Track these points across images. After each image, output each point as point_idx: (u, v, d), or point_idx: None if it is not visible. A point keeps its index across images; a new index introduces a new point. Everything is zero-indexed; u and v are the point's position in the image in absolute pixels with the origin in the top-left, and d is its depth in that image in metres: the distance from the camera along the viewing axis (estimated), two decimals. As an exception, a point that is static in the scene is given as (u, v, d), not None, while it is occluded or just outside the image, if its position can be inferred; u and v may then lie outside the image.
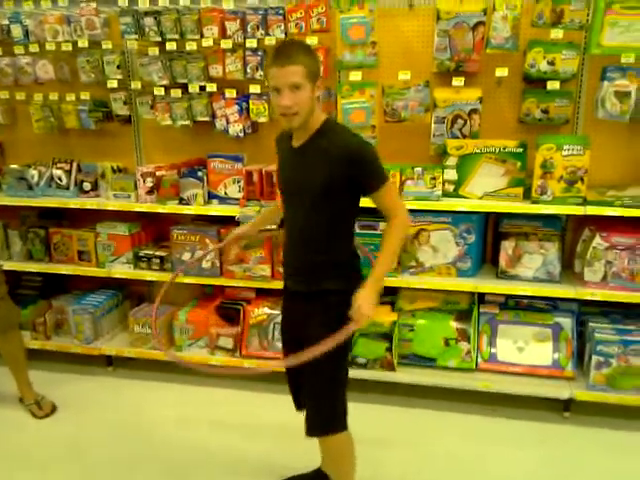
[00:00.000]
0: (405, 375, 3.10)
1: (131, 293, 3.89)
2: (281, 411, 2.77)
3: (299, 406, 2.31)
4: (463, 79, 2.90)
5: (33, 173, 3.54)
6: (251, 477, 2.60)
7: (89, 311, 3.54)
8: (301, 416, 2.18)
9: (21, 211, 3.69)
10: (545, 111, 2.93)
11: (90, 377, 3.54)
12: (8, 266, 3.48)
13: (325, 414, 2.12)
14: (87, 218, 3.62)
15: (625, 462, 2.69)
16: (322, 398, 2.12)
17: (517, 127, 3.09)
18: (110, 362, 3.62)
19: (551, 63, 2.80)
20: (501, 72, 2.88)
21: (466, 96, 2.93)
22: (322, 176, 1.95)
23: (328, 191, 1.96)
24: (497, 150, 2.90)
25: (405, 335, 3.11)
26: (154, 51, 3.24)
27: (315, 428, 2.12)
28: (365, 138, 2.04)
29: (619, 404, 2.90)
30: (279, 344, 3.25)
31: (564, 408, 3.02)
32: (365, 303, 1.92)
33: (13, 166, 3.60)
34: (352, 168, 1.92)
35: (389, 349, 3.06)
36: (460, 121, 2.97)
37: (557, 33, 2.76)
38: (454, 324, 3.12)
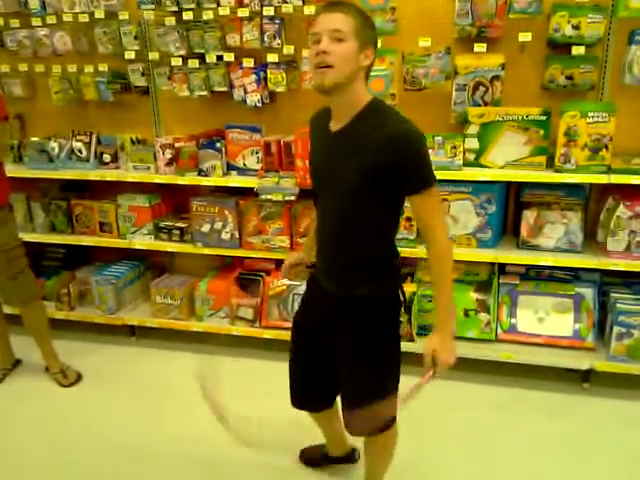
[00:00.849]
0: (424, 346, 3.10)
1: (152, 264, 3.93)
2: None
3: (303, 403, 2.19)
4: (485, 45, 2.83)
5: (53, 145, 3.56)
6: (273, 447, 2.64)
7: (112, 282, 3.59)
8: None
9: (43, 183, 3.72)
10: (569, 77, 2.85)
11: (113, 347, 3.61)
12: (32, 238, 3.55)
13: (375, 413, 1.91)
14: (107, 190, 3.64)
15: (645, 433, 2.69)
16: (372, 396, 1.90)
17: (540, 94, 3.02)
18: (133, 332, 3.69)
19: (576, 27, 2.71)
20: (524, 37, 2.81)
21: (488, 62, 2.86)
22: (361, 165, 1.68)
23: (366, 184, 1.70)
24: (520, 118, 2.84)
25: (424, 306, 3.11)
26: (171, 21, 3.21)
27: (362, 426, 1.97)
28: (416, 128, 1.69)
29: (639, 375, 2.88)
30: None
31: (583, 379, 3.01)
32: (443, 351, 1.76)
33: (34, 139, 3.63)
34: (397, 157, 1.64)
35: (408, 320, 3.07)
36: (482, 88, 2.91)
37: (583, -5, 2.67)
38: (474, 295, 3.11)
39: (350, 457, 2.50)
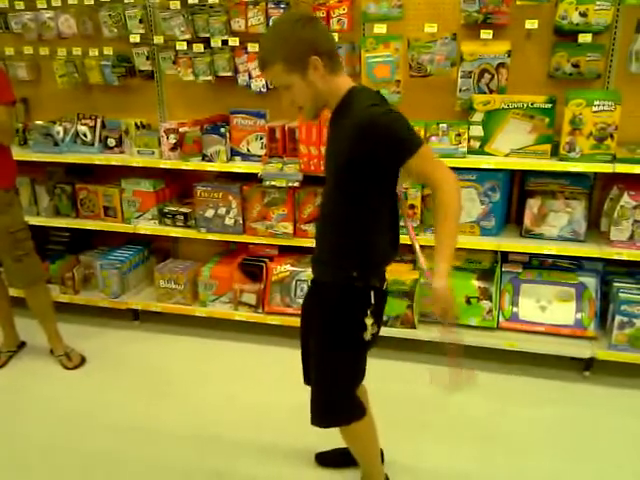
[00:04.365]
0: (425, 332, 3.12)
1: (156, 249, 3.95)
2: None
3: (307, 381, 2.16)
4: (491, 32, 2.81)
5: (58, 129, 3.56)
6: (277, 432, 2.67)
7: (116, 266, 3.61)
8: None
9: (48, 167, 3.73)
10: (576, 65, 2.84)
11: (117, 330, 3.64)
12: (37, 221, 3.56)
13: (322, 406, 2.00)
14: (112, 174, 3.65)
15: (645, 421, 2.71)
16: (319, 388, 1.99)
17: (546, 82, 3.00)
18: (137, 316, 3.71)
19: (583, 14, 2.69)
20: (531, 24, 2.79)
21: (494, 49, 2.84)
22: (341, 154, 1.73)
23: (346, 171, 1.73)
24: (525, 106, 2.83)
25: (426, 293, 3.12)
26: (176, 5, 3.20)
27: (314, 418, 2.00)
28: (389, 107, 1.70)
29: (640, 364, 2.90)
30: (301, 301, 3.29)
31: (585, 367, 3.02)
32: (439, 300, 1.70)
33: (38, 122, 3.63)
34: (367, 144, 1.64)
35: (410, 307, 3.08)
36: (487, 75, 2.90)
37: (591, -18, 2.65)
38: (476, 283, 3.12)
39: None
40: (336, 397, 1.99)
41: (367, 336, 1.86)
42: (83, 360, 3.26)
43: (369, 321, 1.85)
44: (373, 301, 1.85)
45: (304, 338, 2.08)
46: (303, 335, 2.09)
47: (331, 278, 1.88)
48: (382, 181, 1.76)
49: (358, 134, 1.64)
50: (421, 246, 2.00)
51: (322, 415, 2.00)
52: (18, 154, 3.33)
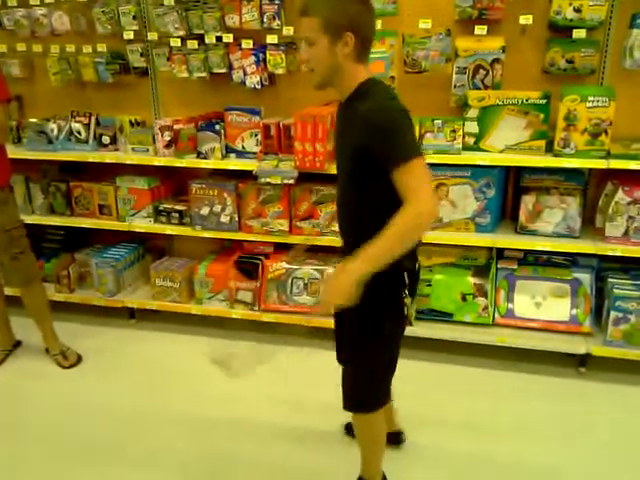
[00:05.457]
0: (422, 329, 3.12)
1: (152, 247, 3.93)
2: (306, 364, 2.90)
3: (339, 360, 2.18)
4: (486, 27, 2.81)
5: (52, 127, 3.55)
6: (274, 430, 2.67)
7: (111, 264, 3.60)
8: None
9: (42, 165, 3.72)
10: (570, 61, 2.84)
11: (113, 329, 3.63)
12: (31, 220, 3.55)
13: (346, 392, 2.02)
14: (107, 172, 3.63)
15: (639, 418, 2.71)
16: (345, 376, 2.02)
17: (541, 77, 3.00)
18: (132, 314, 3.70)
19: (578, 10, 2.69)
20: (525, 20, 2.79)
21: (488, 45, 2.84)
22: (349, 147, 1.76)
23: (355, 165, 1.75)
24: (520, 101, 2.83)
25: (422, 290, 3.12)
26: (170, 1, 3.19)
27: (347, 402, 2.02)
28: (395, 105, 1.70)
29: (635, 360, 2.90)
30: (297, 298, 3.31)
31: (580, 363, 3.03)
32: (333, 289, 1.67)
33: (32, 120, 3.62)
34: (369, 138, 1.65)
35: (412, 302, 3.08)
36: (482, 71, 2.89)
37: (586, -22, 2.64)
38: (471, 279, 3.12)
39: (395, 437, 2.48)
40: (371, 384, 1.98)
41: (406, 312, 1.85)
42: (79, 359, 3.25)
43: (407, 300, 1.85)
44: (407, 281, 1.85)
45: (338, 317, 2.09)
46: (337, 315, 2.08)
47: None
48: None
49: (363, 125, 1.66)
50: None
51: (355, 399, 2.00)
52: (12, 152, 3.31)
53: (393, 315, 1.90)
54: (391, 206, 1.64)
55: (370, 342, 1.90)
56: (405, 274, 1.85)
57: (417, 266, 1.95)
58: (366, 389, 1.99)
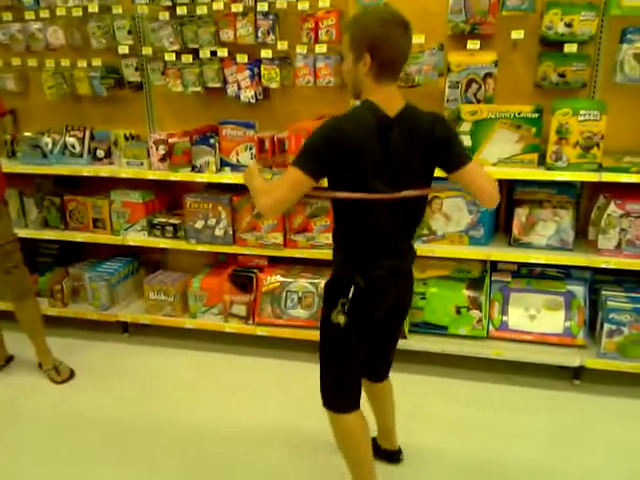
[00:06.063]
0: (416, 342, 3.12)
1: (146, 261, 3.93)
2: (296, 377, 2.88)
3: None
4: (478, 42, 2.84)
5: (47, 141, 3.54)
6: (265, 441, 2.66)
7: (105, 278, 3.59)
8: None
9: (36, 179, 3.71)
10: (562, 75, 2.86)
11: (107, 343, 3.61)
12: (25, 234, 3.53)
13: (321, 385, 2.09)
14: (101, 186, 3.64)
15: (634, 430, 2.70)
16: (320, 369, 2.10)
17: (533, 92, 3.03)
18: (126, 329, 3.68)
19: (569, 25, 2.72)
20: (517, 35, 2.81)
21: (481, 60, 2.86)
22: None
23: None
24: (512, 115, 2.85)
25: (416, 303, 3.12)
26: (165, 16, 3.21)
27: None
28: (330, 124, 1.79)
29: (629, 372, 2.91)
30: (291, 312, 3.30)
31: (574, 376, 3.03)
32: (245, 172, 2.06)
33: (27, 134, 3.62)
34: None
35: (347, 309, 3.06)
36: (474, 85, 2.92)
37: (576, -7, 2.68)
38: (466, 292, 3.12)
39: (391, 455, 2.47)
40: (326, 379, 2.06)
41: (338, 320, 1.91)
42: (72, 374, 3.22)
43: (340, 309, 1.90)
44: (350, 296, 1.90)
45: None
46: None
47: (332, 270, 2.03)
48: (338, 180, 1.85)
49: None
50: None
51: (322, 395, 2.07)
52: (6, 166, 3.31)
53: (341, 310, 1.93)
54: (345, 216, 1.92)
55: (322, 327, 2.01)
56: (352, 287, 1.89)
57: (379, 291, 1.95)
58: (328, 385, 2.06)
